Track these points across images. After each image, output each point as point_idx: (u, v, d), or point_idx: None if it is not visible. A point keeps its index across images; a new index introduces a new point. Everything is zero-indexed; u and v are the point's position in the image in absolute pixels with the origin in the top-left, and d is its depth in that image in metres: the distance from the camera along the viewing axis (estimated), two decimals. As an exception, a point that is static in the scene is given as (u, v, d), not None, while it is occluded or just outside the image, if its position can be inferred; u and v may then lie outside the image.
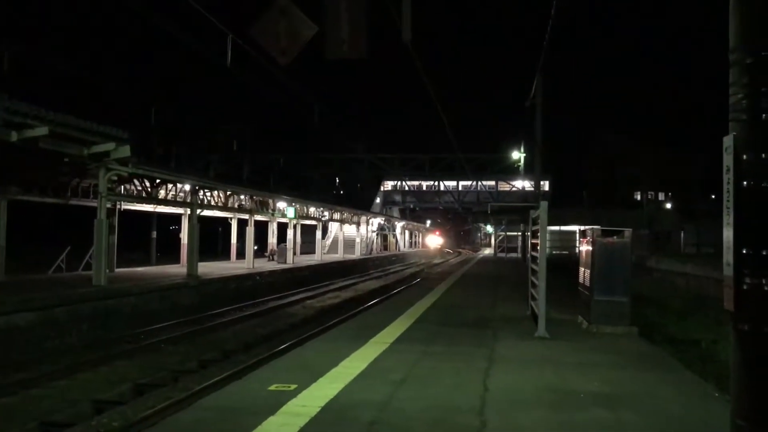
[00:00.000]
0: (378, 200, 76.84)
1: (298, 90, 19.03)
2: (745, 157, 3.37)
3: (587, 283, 11.24)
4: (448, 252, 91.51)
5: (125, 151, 17.99)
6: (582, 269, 11.93)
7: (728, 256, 3.43)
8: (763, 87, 3.31)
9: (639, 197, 77.49)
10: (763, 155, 3.32)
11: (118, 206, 25.81)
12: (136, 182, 23.46)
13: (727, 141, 3.46)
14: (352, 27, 5.22)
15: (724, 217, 3.47)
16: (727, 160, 3.45)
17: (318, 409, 5.84)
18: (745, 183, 3.35)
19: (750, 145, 3.35)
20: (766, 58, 3.30)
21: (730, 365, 3.49)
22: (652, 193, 78.56)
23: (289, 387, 6.62)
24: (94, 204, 19.84)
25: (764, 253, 3.30)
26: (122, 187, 23.28)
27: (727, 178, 3.45)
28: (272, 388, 6.63)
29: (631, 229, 11.07)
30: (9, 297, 14.33)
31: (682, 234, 47.82)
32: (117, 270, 25.17)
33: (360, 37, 5.26)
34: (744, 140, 3.38)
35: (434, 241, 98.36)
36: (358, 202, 61.19)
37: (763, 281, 3.29)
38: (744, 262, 3.35)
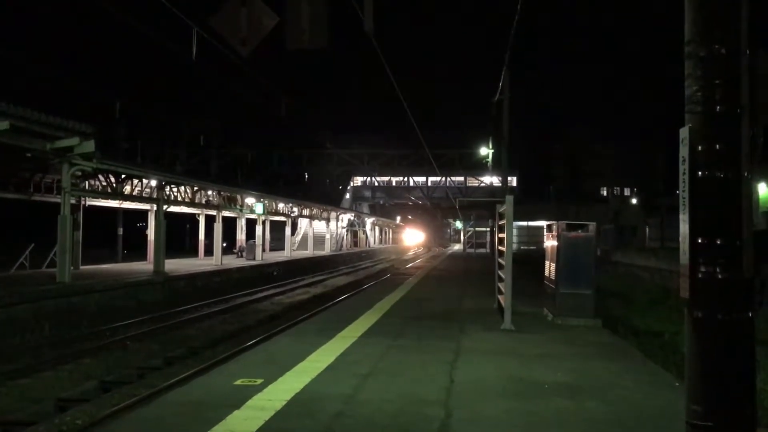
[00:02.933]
0: (347, 196, 76.69)
1: (265, 83, 18.89)
2: (700, 148, 3.44)
3: (553, 277, 11.38)
4: (426, 248, 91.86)
5: (89, 146, 17.71)
6: (548, 263, 12.08)
7: (684, 245, 3.50)
8: (717, 79, 3.38)
9: (605, 192, 78.64)
10: (717, 146, 3.39)
11: (82, 202, 25.44)
12: (101, 178, 23.14)
13: (683, 132, 3.53)
14: (313, 17, 5.21)
15: (680, 207, 3.54)
16: (683, 151, 3.52)
17: (283, 403, 5.83)
18: (700, 173, 3.43)
19: (704, 137, 3.42)
20: (719, 51, 3.38)
21: (686, 352, 3.57)
22: (618, 188, 79.80)
23: (255, 381, 6.60)
24: (58, 200, 19.53)
25: (718, 242, 3.37)
26: (87, 182, 22.94)
27: (683, 168, 3.52)
28: (238, 383, 6.60)
29: (594, 223, 11.24)
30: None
31: (646, 228, 48.64)
32: (82, 267, 24.79)
33: (321, 28, 5.26)
34: (699, 132, 3.45)
35: (415, 237, 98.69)
36: (327, 198, 61.02)
37: (718, 270, 3.37)
38: (699, 251, 3.42)
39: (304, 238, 53.85)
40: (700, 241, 3.41)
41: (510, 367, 7.56)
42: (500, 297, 12.01)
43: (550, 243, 11.98)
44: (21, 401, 9.63)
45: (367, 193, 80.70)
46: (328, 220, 53.06)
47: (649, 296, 20.43)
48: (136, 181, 25.80)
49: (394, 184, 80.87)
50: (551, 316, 11.37)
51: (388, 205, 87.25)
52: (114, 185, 23.63)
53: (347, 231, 64.96)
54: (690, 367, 3.48)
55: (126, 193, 25.38)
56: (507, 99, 23.16)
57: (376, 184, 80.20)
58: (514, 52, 20.64)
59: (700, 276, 3.40)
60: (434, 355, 8.17)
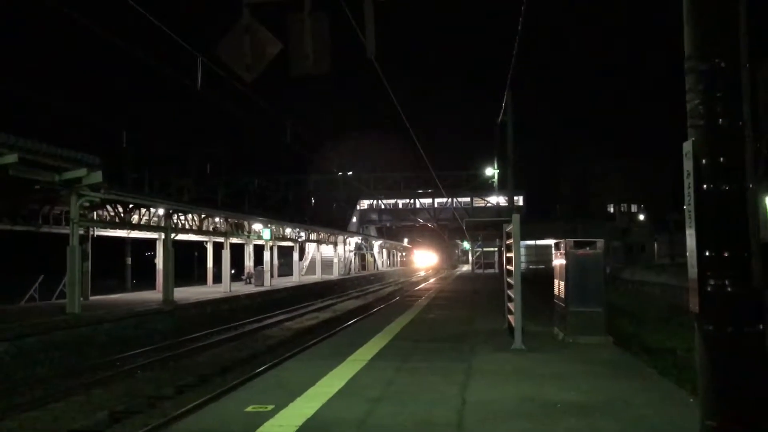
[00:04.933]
0: (354, 219, 76.85)
1: (270, 110, 19.04)
2: (704, 161, 3.45)
3: (562, 295, 11.32)
4: (434, 269, 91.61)
5: (97, 176, 17.84)
6: (557, 281, 12.02)
7: (692, 259, 3.50)
8: (718, 92, 3.41)
9: (612, 210, 78.41)
10: (721, 159, 3.41)
11: (91, 232, 25.54)
12: (109, 208, 23.27)
13: (687, 146, 3.55)
14: (316, 43, 5.28)
15: (686, 221, 3.54)
16: (687, 165, 3.53)
17: (295, 428, 5.80)
18: (705, 186, 3.44)
19: (708, 150, 3.44)
20: (719, 65, 3.40)
21: (697, 367, 3.55)
22: (625, 205, 79.55)
23: (266, 407, 6.57)
24: (67, 231, 19.62)
25: (726, 255, 3.37)
26: (95, 213, 23.08)
27: (688, 182, 3.53)
28: (249, 409, 6.58)
29: (603, 240, 11.20)
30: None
31: (655, 245, 48.46)
32: (91, 297, 24.83)
33: (324, 53, 5.32)
34: (702, 145, 3.47)
35: (423, 258, 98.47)
36: (334, 222, 61.11)
37: (726, 282, 3.36)
38: (707, 265, 3.42)
39: (312, 262, 53.83)
40: (707, 254, 3.41)
41: (522, 387, 7.50)
42: (510, 317, 11.96)
43: (558, 261, 11.94)
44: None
45: (374, 216, 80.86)
46: (335, 244, 53.08)
47: (660, 313, 20.29)
48: (143, 210, 25.93)
49: (400, 206, 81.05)
50: (562, 335, 11.30)
51: (395, 228, 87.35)
52: (122, 215, 23.75)
53: (355, 254, 64.90)
54: (702, 382, 3.46)
55: (134, 222, 25.49)
56: (510, 119, 23.25)
57: (383, 206, 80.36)
58: (516, 72, 20.77)
59: (708, 289, 3.40)
60: (445, 377, 8.13)
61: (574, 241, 11.20)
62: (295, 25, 5.34)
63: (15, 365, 13.81)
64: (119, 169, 36.27)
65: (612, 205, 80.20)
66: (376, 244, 75.91)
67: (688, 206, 3.52)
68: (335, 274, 51.70)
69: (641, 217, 72.75)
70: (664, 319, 18.72)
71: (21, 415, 10.70)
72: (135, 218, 25.65)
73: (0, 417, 10.45)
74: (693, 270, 3.49)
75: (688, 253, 3.57)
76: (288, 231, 42.30)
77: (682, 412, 6.32)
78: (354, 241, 62.73)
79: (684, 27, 3.59)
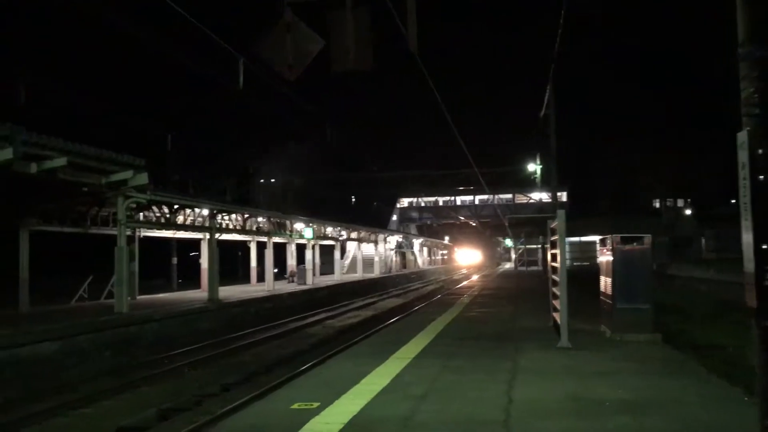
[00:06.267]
0: (395, 217, 76.83)
1: (310, 110, 19.14)
2: (759, 152, 3.33)
3: (609, 292, 11.13)
4: (476, 267, 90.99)
5: (143, 178, 18.16)
6: (603, 278, 11.83)
7: (748, 253, 3.38)
8: (774, 80, 3.29)
9: (657, 205, 76.82)
10: (778, 149, 3.28)
11: (137, 233, 26.05)
12: (155, 209, 23.68)
13: (741, 137, 3.43)
14: (358, 39, 5.26)
15: (742, 214, 3.43)
16: (742, 156, 3.42)
17: (341, 426, 5.80)
18: (761, 177, 3.32)
19: (764, 140, 3.32)
20: (776, 51, 3.28)
21: (756, 365, 3.43)
22: (671, 199, 77.82)
23: (312, 405, 6.59)
24: (114, 232, 20.03)
25: (784, 248, 3.25)
26: (141, 214, 23.50)
27: (743, 174, 3.41)
28: (295, 406, 6.61)
29: (650, 235, 10.96)
30: (33, 327, 14.46)
31: (702, 240, 47.35)
32: (139, 297, 25.34)
33: (365, 49, 5.30)
34: (758, 135, 3.35)
35: (464, 256, 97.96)
36: (374, 221, 61.21)
37: (785, 276, 3.24)
38: (764, 258, 3.30)
39: (353, 261, 54.02)
40: (765, 247, 3.29)
41: (568, 386, 7.38)
42: (555, 315, 11.80)
43: (604, 258, 11.74)
44: (83, 431, 9.83)
45: (414, 214, 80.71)
46: (376, 242, 53.16)
47: (708, 309, 19.79)
48: (188, 211, 26.31)
49: (440, 203, 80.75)
50: (609, 333, 11.11)
51: (435, 226, 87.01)
52: (167, 216, 24.14)
53: (395, 253, 64.90)
54: (762, 381, 3.35)
55: (179, 223, 25.88)
56: (553, 113, 22.95)
57: (423, 204, 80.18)
58: (558, 64, 20.48)
59: (767, 283, 3.28)
60: (490, 375, 8.05)
61: (621, 237, 10.99)
62: (337, 21, 5.34)
63: (66, 363, 14.15)
64: (163, 171, 36.92)
65: (657, 200, 78.56)
66: (417, 242, 75.76)
67: (743, 198, 3.41)
68: (376, 272, 51.78)
69: (687, 211, 71.16)
70: (712, 315, 18.24)
71: (72, 412, 10.96)
72: (180, 219, 26.05)
73: (52, 414, 10.72)
74: (750, 264, 3.37)
75: (743, 247, 3.45)
76: (329, 230, 42.51)
77: (736, 411, 6.15)
78: (394, 239, 62.72)
79: (737, 12, 3.47)
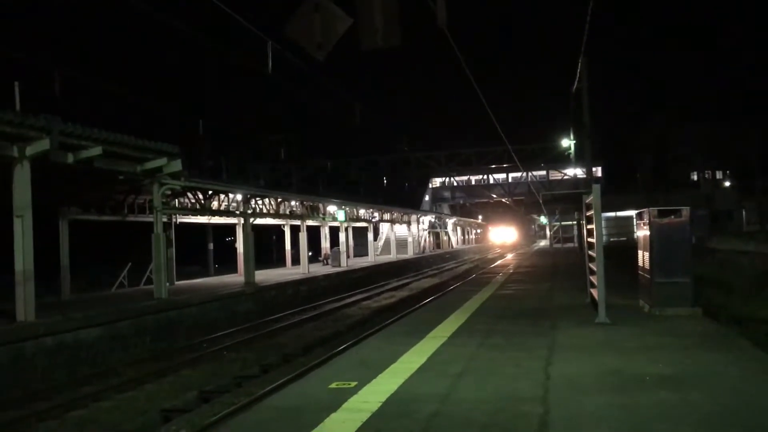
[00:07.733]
0: (427, 198, 76.67)
1: (339, 91, 19.10)
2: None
3: (647, 266, 10.98)
4: (511, 245, 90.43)
5: (177, 165, 18.34)
6: (641, 252, 11.67)
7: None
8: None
9: (695, 177, 75.33)
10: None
11: (174, 220, 26.42)
12: (190, 195, 23.97)
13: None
14: (386, 15, 5.21)
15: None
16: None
17: (379, 404, 5.84)
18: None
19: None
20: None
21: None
22: (709, 172, 76.16)
23: (350, 384, 6.64)
24: (151, 219, 20.33)
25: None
26: (176, 200, 23.82)
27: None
28: (333, 386, 6.66)
29: (688, 208, 10.76)
30: (75, 314, 14.78)
31: (743, 212, 46.41)
32: (177, 283, 25.75)
33: (394, 25, 5.25)
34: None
35: (498, 235, 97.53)
36: (407, 201, 61.15)
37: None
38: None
39: (387, 242, 54.12)
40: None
41: (607, 361, 7.32)
42: (593, 290, 11.70)
43: (641, 232, 11.57)
44: (128, 413, 10.06)
45: (447, 194, 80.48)
46: (409, 223, 53.15)
47: (750, 282, 19.40)
48: (222, 197, 26.58)
49: (473, 182, 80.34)
50: (647, 307, 10.97)
51: (468, 205, 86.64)
52: (202, 202, 24.41)
53: (429, 233, 64.83)
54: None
55: (214, 208, 26.18)
56: (585, 87, 22.59)
57: (455, 183, 79.86)
58: (590, 36, 20.08)
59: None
60: (528, 352, 8.02)
61: (658, 210, 10.81)
62: (365, -1, 5.29)
63: (110, 348, 14.46)
64: (197, 157, 37.26)
65: (695, 172, 76.97)
66: (450, 221, 75.54)
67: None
68: (409, 253, 51.82)
69: (727, 183, 69.70)
70: (755, 288, 17.89)
71: (117, 395, 11.22)
72: (215, 204, 26.33)
73: (98, 398, 10.99)
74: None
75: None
76: (362, 212, 42.62)
77: (782, 384, 6.04)
78: (427, 219, 62.63)
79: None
